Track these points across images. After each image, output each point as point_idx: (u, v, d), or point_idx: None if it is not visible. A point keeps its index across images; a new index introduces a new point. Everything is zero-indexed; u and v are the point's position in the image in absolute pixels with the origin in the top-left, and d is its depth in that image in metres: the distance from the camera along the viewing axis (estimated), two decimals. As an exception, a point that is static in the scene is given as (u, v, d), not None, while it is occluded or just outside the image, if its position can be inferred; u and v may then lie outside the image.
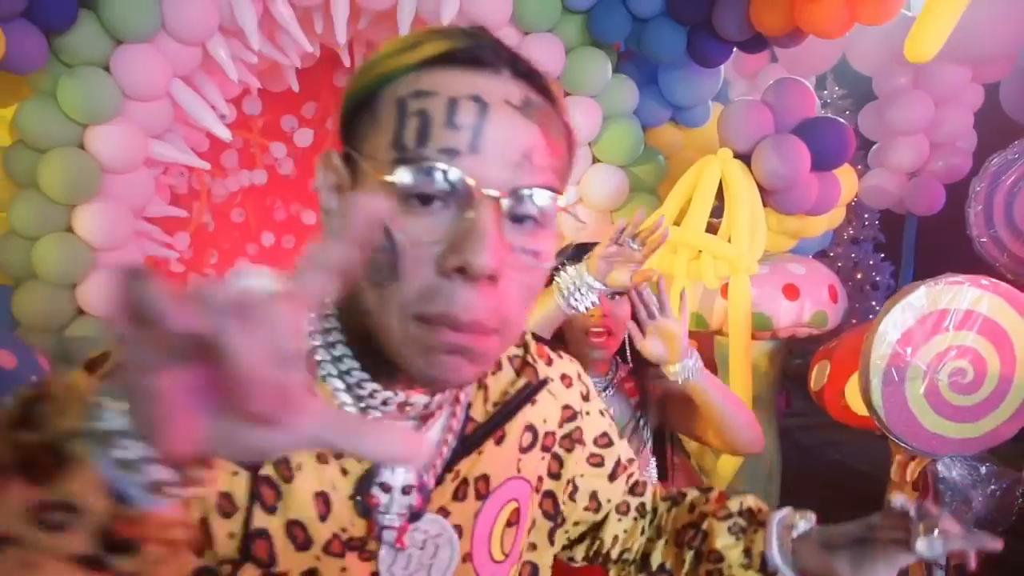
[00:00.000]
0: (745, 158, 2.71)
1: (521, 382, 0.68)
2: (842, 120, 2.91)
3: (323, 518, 0.56)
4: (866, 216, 5.49)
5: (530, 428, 0.69)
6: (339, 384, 0.57)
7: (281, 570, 0.54)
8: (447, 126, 0.50)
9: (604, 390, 1.47)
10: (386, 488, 0.58)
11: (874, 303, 5.54)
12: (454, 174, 0.48)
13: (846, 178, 3.03)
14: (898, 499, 0.72)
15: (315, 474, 0.56)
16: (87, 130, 2.89)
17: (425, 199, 0.49)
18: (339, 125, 0.58)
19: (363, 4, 3.22)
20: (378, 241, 0.49)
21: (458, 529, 0.62)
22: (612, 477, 0.80)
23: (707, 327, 2.83)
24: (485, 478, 0.64)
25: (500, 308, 0.50)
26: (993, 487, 1.91)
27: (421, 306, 0.50)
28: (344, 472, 0.57)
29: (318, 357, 0.57)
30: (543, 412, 0.71)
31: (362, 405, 0.57)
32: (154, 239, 3.42)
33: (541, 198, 0.51)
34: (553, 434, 0.72)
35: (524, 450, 0.68)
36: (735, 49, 3.17)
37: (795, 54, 4.32)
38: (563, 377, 0.74)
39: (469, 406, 0.65)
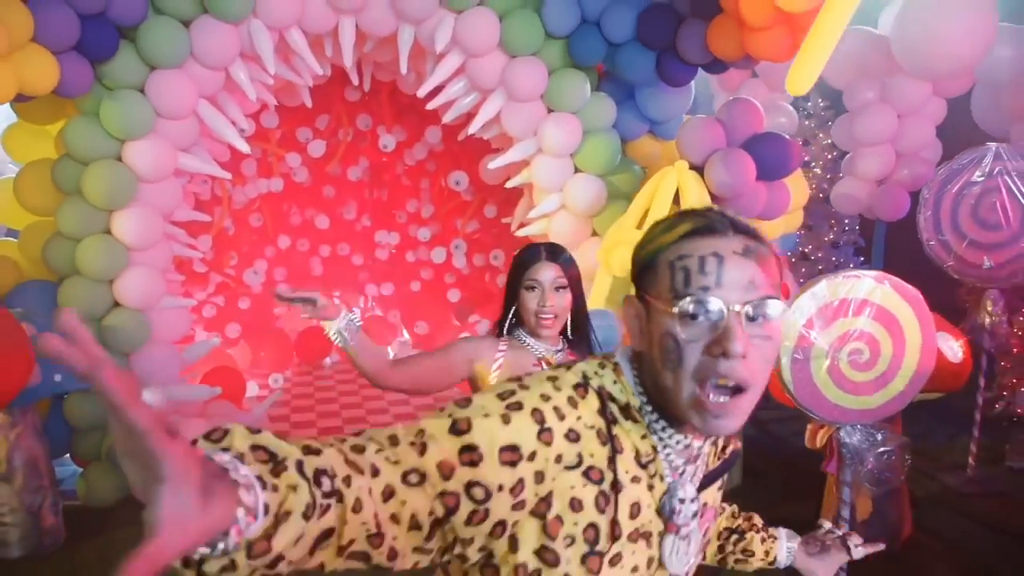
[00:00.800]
0: (699, 169, 3.06)
1: (731, 447, 1.02)
2: (787, 136, 3.24)
3: (632, 517, 0.87)
4: (846, 222, 5.78)
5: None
6: (654, 435, 0.89)
7: (599, 550, 0.86)
8: (700, 273, 0.81)
9: (555, 355, 1.82)
10: (682, 500, 0.89)
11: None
12: (709, 300, 0.80)
13: (797, 186, 3.35)
14: (826, 523, 1.34)
15: (631, 489, 0.87)
16: (125, 145, 3.31)
17: (694, 316, 0.80)
18: (632, 279, 0.90)
19: (367, 31, 3.61)
20: (669, 343, 0.82)
21: None
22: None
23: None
24: (704, 506, 0.96)
25: (751, 374, 0.80)
26: (884, 450, 2.23)
27: (699, 375, 0.81)
28: (650, 488, 0.89)
29: (646, 414, 0.89)
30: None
31: (666, 449, 0.89)
32: (180, 241, 3.82)
33: (764, 304, 0.81)
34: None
35: (719, 488, 1.03)
36: (699, 69, 3.51)
37: (774, 70, 4.67)
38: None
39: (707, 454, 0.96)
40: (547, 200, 3.79)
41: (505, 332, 1.80)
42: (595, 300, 3.19)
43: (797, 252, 5.82)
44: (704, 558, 1.10)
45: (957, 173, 3.66)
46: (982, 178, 3.55)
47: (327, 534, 0.66)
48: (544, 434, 0.82)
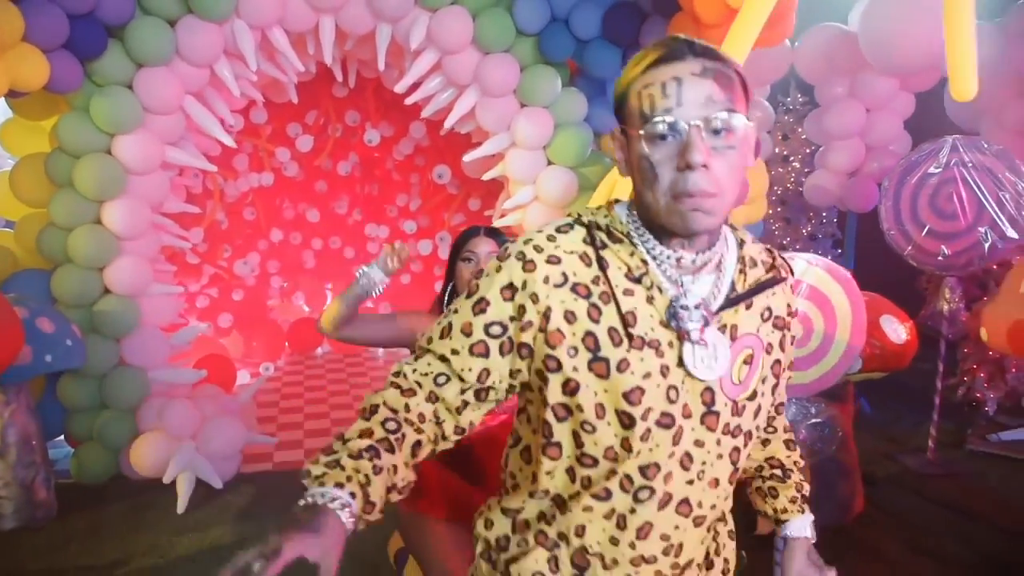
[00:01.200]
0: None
1: (768, 276, 1.05)
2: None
3: (629, 326, 0.96)
4: (824, 215, 5.90)
5: (768, 308, 1.05)
6: (643, 249, 0.99)
7: (603, 356, 0.96)
8: (663, 97, 0.91)
9: None
10: (684, 307, 0.96)
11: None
12: (671, 120, 0.90)
13: (756, 176, 3.48)
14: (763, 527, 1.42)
15: (625, 301, 0.97)
16: (114, 139, 3.47)
17: (662, 136, 0.91)
18: (615, 113, 1.02)
19: (347, 29, 3.76)
20: (644, 165, 0.93)
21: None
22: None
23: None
24: (735, 327, 1.01)
25: (715, 181, 0.90)
26: (816, 421, 2.36)
27: (672, 190, 0.91)
28: (650, 300, 0.97)
29: (633, 235, 1.00)
30: (778, 302, 1.07)
31: (657, 262, 0.98)
32: (169, 231, 3.98)
33: (722, 116, 0.90)
34: (782, 318, 1.08)
35: (763, 320, 1.05)
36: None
37: (749, 65, 4.78)
38: (792, 288, 1.14)
39: (733, 282, 1.02)
40: (521, 192, 3.93)
41: (445, 306, 1.96)
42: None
43: (776, 244, 5.94)
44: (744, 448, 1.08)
45: (916, 164, 3.79)
46: (939, 169, 3.67)
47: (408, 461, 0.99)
48: (527, 264, 0.98)
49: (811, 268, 2.30)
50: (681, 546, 1.04)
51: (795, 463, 1.30)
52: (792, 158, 5.94)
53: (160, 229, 3.87)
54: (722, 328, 1.01)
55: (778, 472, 1.27)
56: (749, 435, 1.06)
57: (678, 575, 1.06)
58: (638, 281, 0.98)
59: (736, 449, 1.05)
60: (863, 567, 2.88)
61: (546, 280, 0.98)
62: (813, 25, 4.61)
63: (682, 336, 0.98)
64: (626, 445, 0.98)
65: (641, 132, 0.93)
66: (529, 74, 3.77)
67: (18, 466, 3.16)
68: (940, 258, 3.72)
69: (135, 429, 3.58)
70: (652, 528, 1.01)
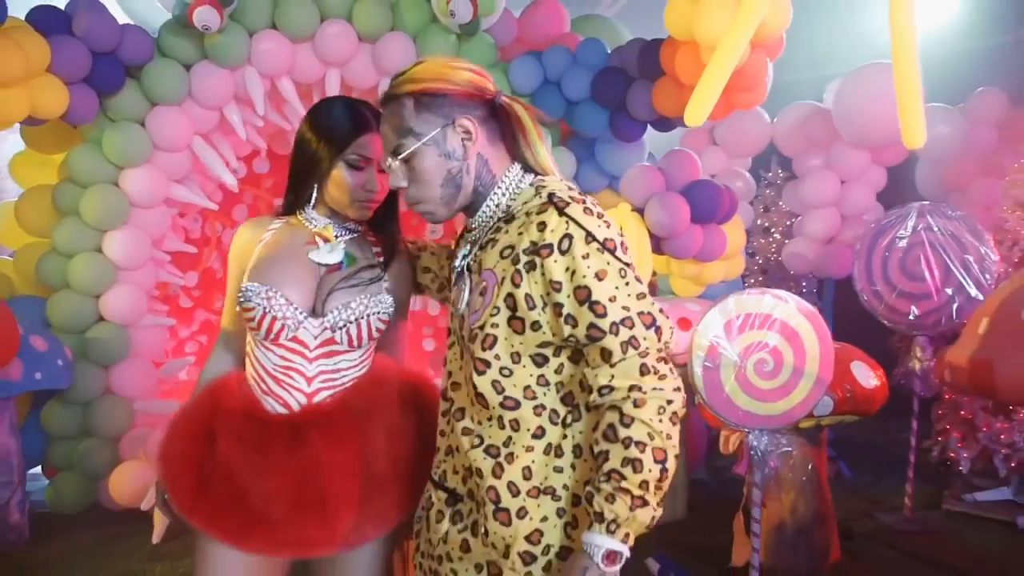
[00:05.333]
0: (641, 211, 3.37)
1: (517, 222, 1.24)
2: (719, 184, 3.57)
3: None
4: (804, 284, 6.08)
5: (510, 246, 1.18)
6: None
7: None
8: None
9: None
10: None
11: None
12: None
13: (734, 231, 3.66)
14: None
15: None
16: (122, 172, 3.63)
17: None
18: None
19: (351, 83, 3.99)
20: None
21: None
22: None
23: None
24: (480, 264, 1.23)
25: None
26: (786, 450, 2.43)
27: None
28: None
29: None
30: (523, 241, 1.16)
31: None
32: (165, 267, 4.09)
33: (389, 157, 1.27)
34: (518, 254, 1.16)
35: (501, 257, 1.19)
36: (648, 127, 3.87)
37: (731, 138, 5.07)
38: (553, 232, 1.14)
39: (479, 240, 1.27)
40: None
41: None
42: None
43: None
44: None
45: (886, 228, 3.98)
46: (907, 234, 3.87)
47: None
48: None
49: (780, 303, 2.42)
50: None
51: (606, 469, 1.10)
52: (773, 229, 6.17)
53: (158, 264, 3.98)
54: (473, 267, 1.27)
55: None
56: (483, 362, 1.20)
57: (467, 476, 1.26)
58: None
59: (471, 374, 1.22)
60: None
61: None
62: (791, 102, 4.93)
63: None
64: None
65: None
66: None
67: (-5, 484, 3.15)
68: (911, 317, 3.87)
69: (116, 458, 3.58)
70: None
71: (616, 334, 1.11)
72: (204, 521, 1.43)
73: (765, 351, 2.44)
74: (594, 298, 1.11)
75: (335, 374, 1.47)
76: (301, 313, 1.45)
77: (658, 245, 3.41)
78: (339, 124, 1.49)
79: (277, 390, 1.46)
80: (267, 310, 1.44)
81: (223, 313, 1.68)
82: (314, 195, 1.50)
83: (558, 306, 1.14)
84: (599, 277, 1.12)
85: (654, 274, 3.72)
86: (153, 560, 3.17)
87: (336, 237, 1.51)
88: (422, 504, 1.40)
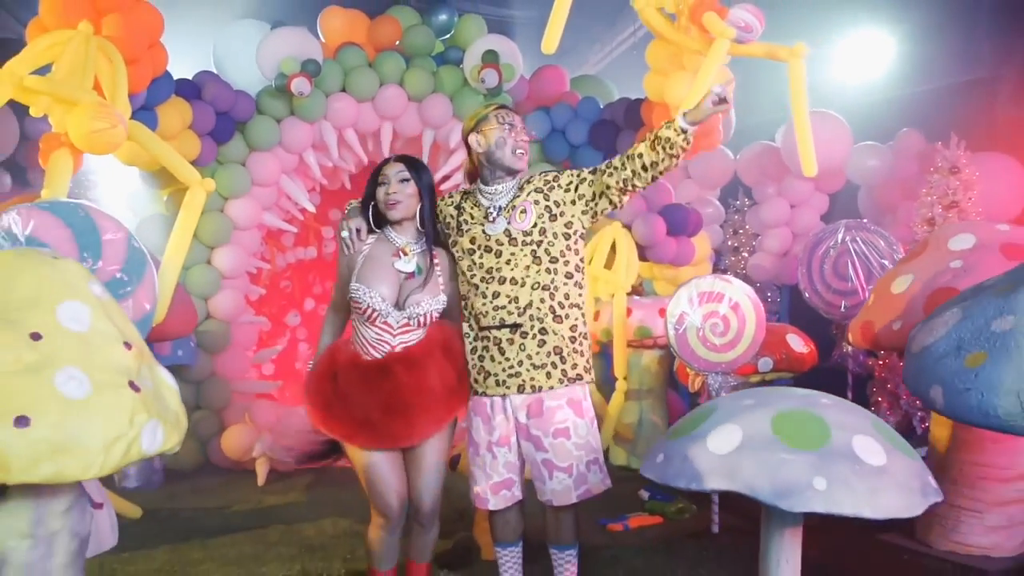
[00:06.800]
0: (628, 227, 4.45)
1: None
2: (687, 206, 4.65)
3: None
4: (768, 295, 7.15)
5: (538, 190, 2.37)
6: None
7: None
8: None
9: (414, 245, 2.28)
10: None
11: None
12: None
13: (701, 243, 4.74)
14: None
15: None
16: (227, 202, 4.68)
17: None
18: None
19: (400, 132, 5.08)
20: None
21: None
22: None
23: (651, 335, 4.36)
24: (514, 207, 2.33)
25: None
26: (735, 384, 3.44)
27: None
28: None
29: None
30: (549, 188, 2.40)
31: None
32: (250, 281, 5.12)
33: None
34: (543, 190, 2.39)
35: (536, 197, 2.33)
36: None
37: (702, 172, 6.18)
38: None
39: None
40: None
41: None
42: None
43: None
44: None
45: (821, 240, 5.07)
46: (836, 245, 4.95)
47: None
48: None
49: (728, 285, 3.47)
50: None
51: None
52: (741, 249, 7.26)
53: (248, 277, 5.01)
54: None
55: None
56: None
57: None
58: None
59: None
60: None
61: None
62: (752, 142, 6.05)
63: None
64: None
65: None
66: (535, 171, 5.08)
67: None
68: (842, 310, 4.93)
69: (221, 426, 4.56)
70: None
71: None
72: (331, 429, 2.18)
73: (717, 317, 3.48)
74: None
75: (408, 341, 2.22)
76: (389, 306, 2.19)
77: (642, 253, 4.48)
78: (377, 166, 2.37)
79: (372, 352, 2.20)
80: (369, 304, 2.17)
81: (333, 292, 2.37)
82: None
83: None
84: None
85: (639, 278, 4.78)
86: (263, 493, 4.14)
87: (410, 251, 2.24)
88: (476, 355, 2.24)
